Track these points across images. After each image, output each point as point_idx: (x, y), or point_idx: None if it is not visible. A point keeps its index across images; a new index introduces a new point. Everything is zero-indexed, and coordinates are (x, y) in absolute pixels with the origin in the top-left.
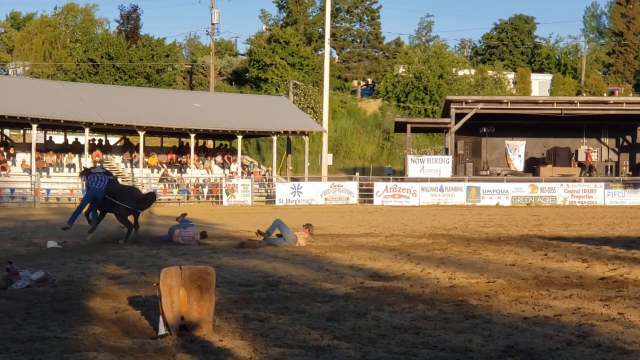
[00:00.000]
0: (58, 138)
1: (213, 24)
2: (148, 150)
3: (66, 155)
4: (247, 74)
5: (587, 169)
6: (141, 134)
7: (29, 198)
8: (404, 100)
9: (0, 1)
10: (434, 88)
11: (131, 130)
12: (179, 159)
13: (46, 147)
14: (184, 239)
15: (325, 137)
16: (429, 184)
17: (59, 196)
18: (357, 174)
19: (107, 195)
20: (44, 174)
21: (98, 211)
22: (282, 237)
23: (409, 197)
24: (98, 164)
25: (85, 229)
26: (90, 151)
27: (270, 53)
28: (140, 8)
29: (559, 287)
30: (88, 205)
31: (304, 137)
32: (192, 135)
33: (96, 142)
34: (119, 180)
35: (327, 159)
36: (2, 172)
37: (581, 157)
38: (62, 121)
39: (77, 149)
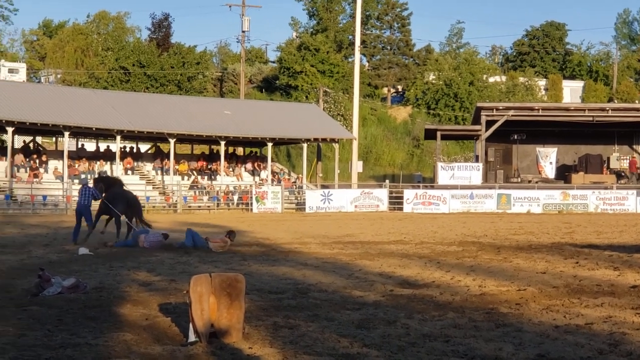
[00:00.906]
0: (90, 145)
1: (243, 32)
2: (178, 158)
3: (98, 163)
4: (277, 82)
5: (637, 176)
6: (172, 141)
7: (61, 205)
8: (434, 108)
9: (32, 9)
10: (464, 95)
11: (162, 138)
12: (209, 166)
13: (78, 155)
14: (150, 244)
15: (355, 144)
16: (459, 191)
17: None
18: (387, 181)
19: (105, 201)
20: (76, 181)
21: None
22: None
23: (439, 205)
24: (83, 176)
25: (108, 238)
26: (122, 158)
27: (300, 60)
28: (172, 16)
29: (591, 296)
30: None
31: (334, 144)
32: (222, 143)
33: (127, 149)
34: (123, 186)
35: (357, 166)
36: (35, 180)
37: (614, 165)
38: (93, 129)
39: (108, 156)
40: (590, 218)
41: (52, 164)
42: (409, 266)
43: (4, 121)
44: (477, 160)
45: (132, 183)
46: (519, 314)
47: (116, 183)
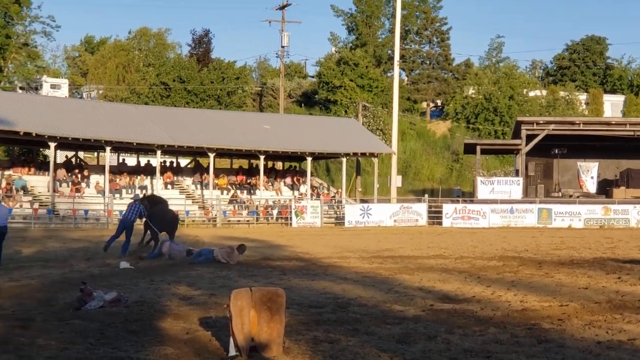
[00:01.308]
0: (130, 160)
1: (283, 47)
2: (218, 172)
3: (138, 177)
4: (316, 96)
5: None
6: (211, 155)
7: (103, 219)
8: (474, 122)
9: (75, 26)
10: (504, 109)
11: (201, 152)
12: (248, 181)
13: (119, 169)
14: (171, 253)
15: (394, 158)
16: (499, 205)
17: None
18: (426, 195)
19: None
20: (117, 195)
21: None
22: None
23: (479, 219)
24: (137, 193)
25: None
26: (162, 173)
27: (339, 75)
28: (212, 32)
29: (633, 311)
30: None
31: (373, 158)
32: (262, 157)
33: (167, 164)
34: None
35: (396, 180)
36: (77, 194)
37: None
38: (134, 144)
39: (149, 171)
40: (632, 233)
41: (94, 178)
42: (448, 281)
43: (46, 136)
44: (517, 174)
45: (172, 197)
46: (561, 329)
47: (160, 202)
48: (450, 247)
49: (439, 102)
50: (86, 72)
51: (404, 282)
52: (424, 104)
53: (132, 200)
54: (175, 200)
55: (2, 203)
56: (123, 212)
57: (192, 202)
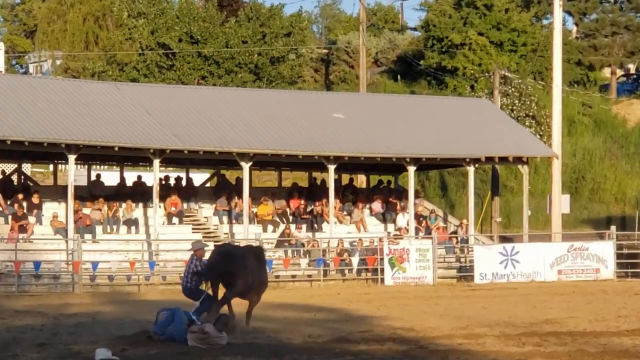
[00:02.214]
0: (110, 176)
1: None
2: (257, 194)
3: (124, 205)
4: (421, 62)
5: None
6: (245, 166)
7: (65, 277)
8: None
9: None
10: None
11: (228, 161)
12: (308, 208)
13: (91, 192)
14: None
15: (557, 166)
16: None
17: (113, 273)
18: (614, 228)
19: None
20: (88, 236)
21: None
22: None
23: None
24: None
25: None
26: (162, 197)
27: (460, 25)
28: None
29: None
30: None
31: (520, 166)
32: (332, 167)
33: (171, 181)
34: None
35: (560, 203)
36: (21, 236)
37: None
38: (116, 148)
39: (140, 193)
40: None
41: (49, 208)
42: None
43: None
44: None
45: (182, 238)
46: None
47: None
48: None
49: (631, 67)
50: (34, 29)
51: None
52: (606, 72)
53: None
54: (188, 244)
55: None
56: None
57: (215, 245)
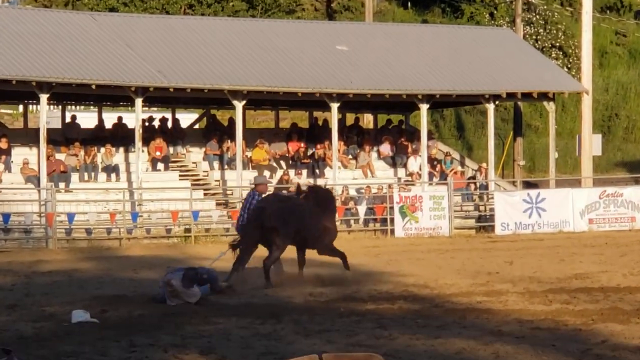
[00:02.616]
0: (87, 118)
1: None
2: (252, 136)
3: (102, 150)
4: None
5: None
6: (238, 105)
7: (37, 231)
8: None
9: None
10: None
11: (219, 99)
12: (309, 152)
13: (66, 136)
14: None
15: (587, 102)
16: None
17: (91, 226)
18: None
19: None
20: (63, 185)
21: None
22: None
23: None
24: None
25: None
26: (146, 141)
27: None
28: None
29: None
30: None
31: (546, 103)
32: (335, 106)
33: (155, 123)
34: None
35: (591, 144)
36: None
37: None
38: (93, 86)
39: (121, 136)
40: None
41: (19, 153)
42: None
43: None
44: None
45: (167, 187)
46: None
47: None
48: None
49: None
50: None
51: (611, 337)
52: None
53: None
54: (174, 192)
55: None
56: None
57: (205, 194)
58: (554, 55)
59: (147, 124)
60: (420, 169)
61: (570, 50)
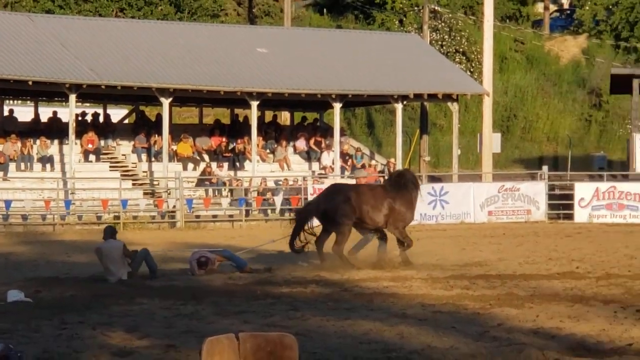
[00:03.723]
0: (24, 112)
1: None
2: (177, 131)
3: (38, 142)
4: None
5: None
6: (165, 102)
7: None
8: (628, 38)
9: None
10: None
11: (148, 97)
12: (230, 146)
13: (3, 128)
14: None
15: (487, 103)
16: None
17: (27, 212)
18: (545, 167)
19: None
20: (0, 173)
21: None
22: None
23: (638, 208)
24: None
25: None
26: (79, 134)
27: None
28: None
29: None
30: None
31: (450, 104)
32: (254, 104)
33: (88, 118)
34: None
35: (491, 142)
36: None
37: None
38: (30, 82)
39: (55, 129)
40: None
41: None
42: (586, 317)
43: None
44: None
45: (98, 177)
46: None
47: None
48: (588, 259)
49: (565, 1)
50: None
51: (506, 320)
52: (539, 7)
53: None
54: (105, 182)
55: None
56: None
57: (133, 184)
58: (457, 59)
59: (80, 118)
60: (333, 163)
61: (472, 56)
